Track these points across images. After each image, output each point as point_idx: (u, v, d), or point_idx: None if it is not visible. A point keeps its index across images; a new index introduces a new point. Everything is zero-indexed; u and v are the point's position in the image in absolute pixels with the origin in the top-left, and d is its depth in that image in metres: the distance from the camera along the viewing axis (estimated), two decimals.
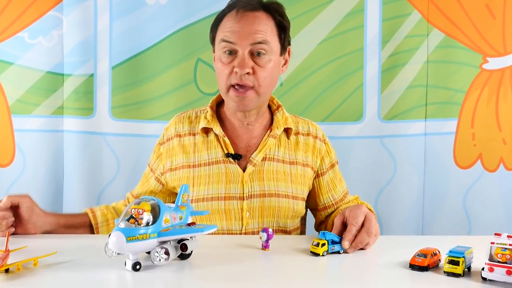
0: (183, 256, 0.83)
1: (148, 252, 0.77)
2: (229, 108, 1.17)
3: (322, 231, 0.88)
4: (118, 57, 1.75)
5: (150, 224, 0.76)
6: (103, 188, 1.75)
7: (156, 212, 0.78)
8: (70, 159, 1.74)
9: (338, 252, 0.88)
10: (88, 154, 1.74)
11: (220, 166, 1.14)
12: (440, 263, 0.80)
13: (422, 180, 1.77)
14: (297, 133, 1.20)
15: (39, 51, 1.72)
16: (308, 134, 1.21)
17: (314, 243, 0.87)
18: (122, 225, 0.75)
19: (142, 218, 0.76)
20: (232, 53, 1.08)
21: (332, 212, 1.21)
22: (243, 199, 1.12)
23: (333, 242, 0.88)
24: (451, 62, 1.76)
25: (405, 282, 0.73)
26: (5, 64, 1.72)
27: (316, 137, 1.22)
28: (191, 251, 0.83)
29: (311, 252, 0.87)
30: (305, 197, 1.19)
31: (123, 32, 1.75)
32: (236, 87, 1.09)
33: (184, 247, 0.78)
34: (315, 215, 1.25)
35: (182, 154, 1.18)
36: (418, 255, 0.79)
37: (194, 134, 1.19)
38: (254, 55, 1.07)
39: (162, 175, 1.21)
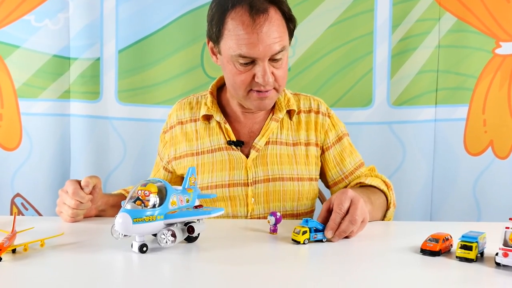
0: (190, 239, 0.82)
1: (155, 235, 0.77)
2: (245, 106, 1.13)
3: (305, 218, 0.84)
4: (124, 40, 1.73)
5: (156, 206, 0.75)
6: (110, 172, 1.74)
7: (163, 194, 0.77)
8: (77, 143, 1.73)
9: (321, 241, 0.83)
10: (94, 138, 1.73)
11: (223, 153, 1.13)
12: (452, 248, 0.78)
13: (431, 167, 1.74)
14: (298, 112, 1.18)
15: (45, 34, 1.71)
16: (309, 111, 1.19)
17: (296, 231, 0.83)
18: (129, 206, 0.74)
19: (148, 200, 0.75)
20: (249, 63, 1.02)
21: (346, 187, 1.16)
22: (248, 185, 1.11)
23: (316, 230, 0.83)
24: (463, 46, 1.72)
25: (417, 267, 0.72)
26: (11, 47, 1.71)
27: (318, 112, 1.19)
28: (198, 234, 0.82)
29: (292, 239, 0.83)
30: (314, 176, 1.17)
31: (130, 15, 1.73)
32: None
33: (191, 229, 0.77)
34: (331, 193, 1.23)
35: (185, 142, 1.17)
36: (429, 240, 0.77)
37: (195, 121, 1.18)
38: (272, 60, 1.02)
39: (168, 163, 1.20)
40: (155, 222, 0.74)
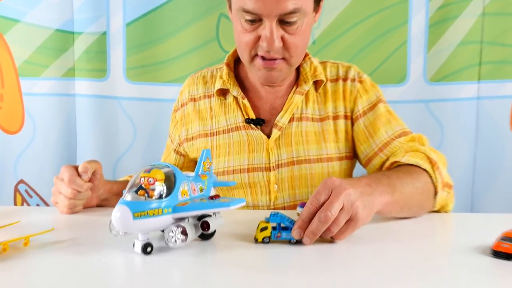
0: (205, 236, 0.68)
1: (163, 231, 0.62)
2: (253, 77, 0.99)
3: (274, 212, 0.67)
4: (133, 13, 1.58)
5: (163, 196, 0.61)
6: (120, 156, 1.62)
7: (171, 182, 0.63)
8: (83, 125, 1.61)
9: (289, 242, 0.66)
10: (102, 120, 1.60)
11: (241, 133, 0.99)
12: None
13: (472, 150, 1.56)
14: (325, 82, 1.01)
15: (47, 6, 1.57)
16: (336, 79, 1.02)
17: (262, 227, 0.67)
18: (129, 197, 0.60)
19: (153, 189, 0.61)
20: (255, 21, 0.86)
21: (383, 164, 0.96)
22: (270, 170, 0.97)
23: (283, 228, 0.66)
24: (510, 14, 1.52)
25: (491, 274, 0.56)
26: (11, 21, 1.58)
27: (346, 78, 1.02)
28: (214, 231, 0.68)
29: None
30: (344, 154, 1.01)
31: None
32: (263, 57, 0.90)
33: (205, 225, 0.63)
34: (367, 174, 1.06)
35: (198, 121, 1.03)
36: (503, 239, 0.61)
37: (210, 97, 1.04)
38: (283, 22, 0.86)
39: (180, 146, 1.06)
40: (161, 217, 0.60)
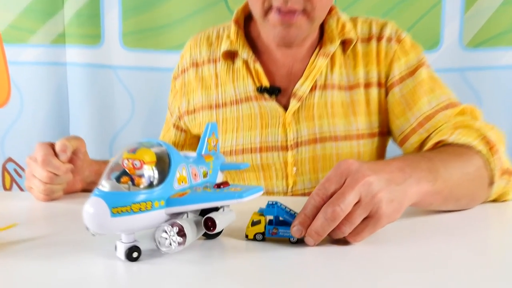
0: (209, 236, 0.52)
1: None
2: (267, 37, 0.83)
3: (271, 202, 0.52)
4: None
5: (154, 185, 0.46)
6: (117, 132, 1.47)
7: (164, 166, 0.47)
8: (76, 97, 1.45)
9: (288, 240, 0.51)
10: (96, 91, 1.45)
11: (252, 104, 0.83)
12: None
13: None
14: (355, 42, 0.84)
15: None
16: (369, 39, 0.84)
17: (254, 220, 0.52)
18: (106, 186, 0.45)
19: (141, 176, 0.46)
20: None
21: (423, 144, 0.79)
22: (287, 149, 0.81)
23: (281, 223, 0.52)
24: None
25: None
26: None
27: (381, 37, 0.84)
28: (222, 230, 0.52)
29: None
30: (378, 130, 0.84)
31: None
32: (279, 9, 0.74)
33: (210, 223, 0.47)
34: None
35: (201, 91, 0.87)
36: None
37: (215, 61, 0.87)
38: None
39: (179, 119, 0.91)
40: (151, 213, 0.45)
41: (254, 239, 0.52)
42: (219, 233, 0.53)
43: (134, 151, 0.46)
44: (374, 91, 0.83)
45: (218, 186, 0.50)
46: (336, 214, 0.47)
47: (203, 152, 0.58)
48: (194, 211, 0.49)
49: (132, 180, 0.46)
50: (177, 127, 0.93)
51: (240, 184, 0.62)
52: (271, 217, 0.52)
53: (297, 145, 0.81)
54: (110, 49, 1.43)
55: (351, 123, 0.82)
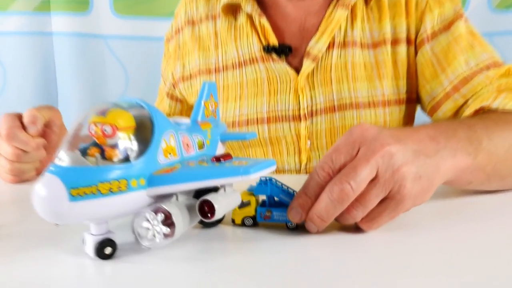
0: (207, 223, 0.41)
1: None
2: None
3: (264, 178, 0.40)
4: None
5: (132, 158, 0.34)
6: None
7: (145, 133, 0.36)
8: (64, 71, 1.33)
9: (286, 226, 0.40)
10: (86, 63, 1.32)
11: (257, 67, 0.71)
12: None
13: None
14: None
15: None
16: None
17: (242, 201, 0.40)
18: (65, 159, 0.33)
19: (113, 146, 0.34)
20: None
21: (459, 111, 0.68)
22: (300, 120, 0.69)
23: (276, 205, 0.41)
24: None
25: None
26: None
27: None
28: (223, 216, 0.41)
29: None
30: (406, 96, 0.72)
31: None
32: None
33: (207, 208, 0.35)
34: None
35: (198, 52, 0.76)
36: None
37: (214, 18, 0.76)
38: None
39: (174, 87, 0.79)
40: (126, 195, 0.34)
41: (243, 224, 0.41)
42: (219, 220, 0.42)
43: (104, 113, 0.35)
44: (402, 49, 0.70)
45: (218, 159, 0.38)
46: (345, 194, 0.37)
47: (199, 119, 0.46)
48: (186, 192, 0.37)
49: (102, 152, 0.34)
50: (171, 96, 0.82)
51: (247, 157, 0.50)
52: (263, 197, 0.41)
53: (311, 114, 0.69)
54: (99, 16, 1.31)
55: (375, 88, 0.69)
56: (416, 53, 0.71)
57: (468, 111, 0.64)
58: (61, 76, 1.33)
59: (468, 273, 0.32)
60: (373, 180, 0.38)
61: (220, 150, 0.46)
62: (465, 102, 0.66)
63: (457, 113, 0.68)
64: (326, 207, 0.37)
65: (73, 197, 0.31)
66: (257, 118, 0.70)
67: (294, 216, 0.39)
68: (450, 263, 0.34)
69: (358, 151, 0.39)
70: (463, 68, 0.67)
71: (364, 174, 0.37)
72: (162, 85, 0.85)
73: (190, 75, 0.77)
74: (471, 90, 0.66)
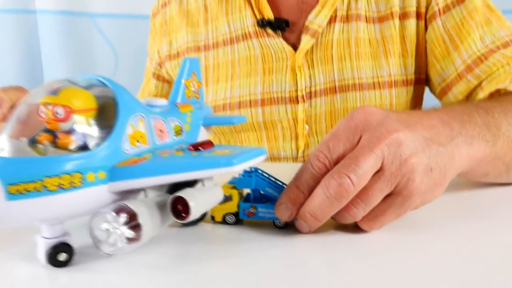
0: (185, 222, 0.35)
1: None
2: None
3: (250, 169, 0.35)
4: None
5: (90, 146, 0.28)
6: None
7: (107, 115, 0.30)
8: (50, 52, 1.25)
9: (273, 224, 0.35)
10: (73, 44, 1.25)
11: (251, 43, 0.65)
12: None
13: None
14: None
15: None
16: None
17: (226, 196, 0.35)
18: (5, 148, 0.27)
19: (68, 132, 0.28)
20: None
21: (472, 94, 0.62)
22: (297, 102, 0.63)
23: (262, 200, 0.35)
24: None
25: None
26: None
27: None
28: (204, 215, 0.35)
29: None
30: (415, 77, 0.66)
31: None
32: None
33: (181, 206, 0.29)
34: None
35: (186, 28, 0.70)
36: None
37: None
38: None
39: (160, 67, 0.73)
40: (81, 191, 0.28)
41: (224, 222, 0.36)
42: (201, 218, 0.36)
43: (55, 92, 0.29)
44: (411, 24, 0.64)
45: (196, 147, 0.32)
46: (344, 189, 0.31)
47: (178, 100, 0.40)
48: (158, 188, 0.31)
49: (55, 139, 0.29)
50: (157, 77, 0.76)
51: (232, 145, 0.44)
52: (248, 191, 0.36)
53: (310, 95, 0.63)
54: None
55: (381, 67, 0.63)
56: (426, 28, 0.64)
57: (483, 93, 0.58)
58: (47, 57, 1.26)
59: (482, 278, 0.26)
60: (377, 173, 0.32)
61: (203, 136, 0.40)
62: (479, 84, 0.60)
63: (469, 96, 0.62)
64: (321, 204, 0.32)
65: (12, 195, 0.25)
66: (250, 100, 0.64)
67: (283, 213, 0.33)
68: (460, 270, 0.28)
69: (360, 138, 0.33)
70: (477, 45, 0.61)
71: (367, 166, 0.31)
72: (148, 64, 0.79)
73: (178, 53, 0.71)
74: (485, 71, 0.60)
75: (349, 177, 0.31)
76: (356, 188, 0.31)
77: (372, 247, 0.32)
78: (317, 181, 0.33)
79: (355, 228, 0.34)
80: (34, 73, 1.27)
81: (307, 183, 0.33)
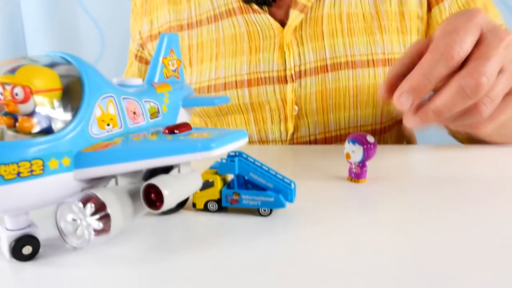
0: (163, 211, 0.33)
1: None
2: None
3: (233, 153, 0.33)
4: None
5: (54, 129, 0.26)
6: None
7: (73, 96, 0.27)
8: (34, 32, 1.21)
9: (258, 212, 0.32)
10: (58, 24, 1.21)
11: (236, 20, 0.62)
12: None
13: None
14: None
15: None
16: None
17: (205, 181, 0.33)
18: None
19: (29, 114, 0.26)
20: None
21: None
22: (286, 81, 0.60)
23: (245, 186, 0.33)
24: None
25: None
26: None
27: None
28: (183, 202, 0.33)
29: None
30: None
31: None
32: None
33: (154, 195, 0.27)
34: None
35: (168, 6, 0.67)
36: None
37: None
38: None
39: (142, 48, 0.70)
40: (43, 179, 0.25)
41: (206, 209, 0.33)
42: (182, 204, 0.34)
43: (13, 71, 0.26)
44: (412, 2, 0.61)
45: (171, 130, 0.29)
46: (482, 88, 0.32)
47: (156, 80, 0.37)
48: (131, 174, 0.29)
49: (14, 122, 0.26)
50: (140, 58, 0.72)
51: (212, 128, 0.42)
52: (231, 176, 0.33)
53: (299, 75, 0.60)
54: None
55: (375, 43, 0.60)
56: (429, 7, 0.61)
57: None
58: (30, 39, 1.22)
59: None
60: (499, 73, 0.34)
61: (184, 119, 0.37)
62: None
63: None
64: (453, 99, 0.32)
65: None
66: (236, 81, 0.61)
67: (403, 103, 0.33)
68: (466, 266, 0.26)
69: (484, 36, 0.34)
70: None
71: (497, 65, 0.33)
72: (131, 46, 0.75)
73: (159, 32, 0.67)
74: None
75: (486, 76, 0.32)
76: (489, 86, 0.32)
77: (367, 241, 0.30)
78: (449, 74, 0.33)
79: (358, 222, 0.32)
80: (18, 54, 1.23)
81: (440, 74, 0.33)
